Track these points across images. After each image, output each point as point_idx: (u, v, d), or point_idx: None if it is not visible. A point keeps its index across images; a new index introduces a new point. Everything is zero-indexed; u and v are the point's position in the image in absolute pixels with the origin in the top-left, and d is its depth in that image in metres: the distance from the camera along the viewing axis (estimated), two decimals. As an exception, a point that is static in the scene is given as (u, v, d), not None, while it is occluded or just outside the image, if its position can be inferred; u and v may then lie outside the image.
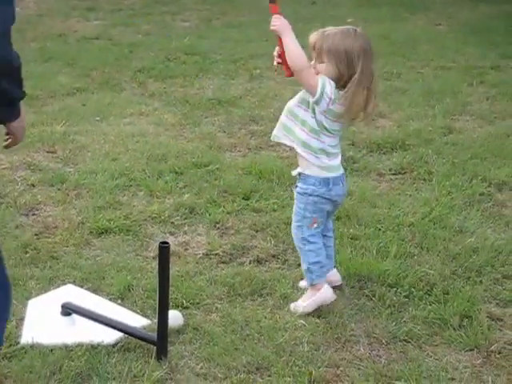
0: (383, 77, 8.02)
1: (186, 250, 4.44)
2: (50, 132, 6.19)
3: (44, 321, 3.71)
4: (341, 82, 3.58)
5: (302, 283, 4.04)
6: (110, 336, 3.53)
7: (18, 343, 3.52)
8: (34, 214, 4.84)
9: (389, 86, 7.71)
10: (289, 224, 4.60)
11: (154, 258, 4.30)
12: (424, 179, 5.46)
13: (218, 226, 4.73)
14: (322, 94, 3.54)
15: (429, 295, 3.97)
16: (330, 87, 3.55)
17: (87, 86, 7.52)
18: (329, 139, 3.68)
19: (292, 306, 3.88)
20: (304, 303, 3.84)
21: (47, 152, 5.83)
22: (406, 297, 3.95)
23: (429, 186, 5.34)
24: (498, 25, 10.60)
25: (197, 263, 4.29)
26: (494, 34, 10.15)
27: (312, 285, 3.86)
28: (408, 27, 10.49)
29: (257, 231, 4.66)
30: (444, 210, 4.92)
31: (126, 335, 3.52)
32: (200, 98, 7.25)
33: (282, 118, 3.78)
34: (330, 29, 3.66)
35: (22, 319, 3.72)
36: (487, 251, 4.41)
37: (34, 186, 5.23)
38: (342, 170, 3.80)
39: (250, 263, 4.31)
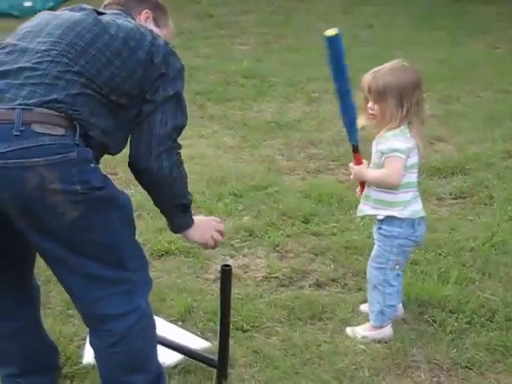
0: (442, 101, 7.98)
1: (246, 272, 4.46)
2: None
3: (106, 341, 3.74)
4: (402, 115, 3.61)
5: (363, 307, 4.02)
6: (171, 358, 3.55)
7: (80, 363, 3.57)
8: (95, 236, 4.89)
9: (448, 110, 7.67)
10: (348, 248, 4.63)
11: (213, 280, 4.33)
12: (485, 204, 5.41)
13: (277, 249, 4.74)
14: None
15: (491, 322, 3.93)
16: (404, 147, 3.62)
17: (147, 109, 7.59)
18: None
19: (350, 330, 3.86)
20: (363, 333, 3.82)
21: (109, 174, 5.81)
22: (467, 323, 3.91)
23: (490, 211, 5.29)
24: (558, 48, 10.50)
25: (256, 286, 4.31)
26: (554, 57, 10.05)
27: (381, 326, 3.82)
28: (467, 51, 10.42)
29: (316, 255, 4.66)
30: (506, 235, 4.86)
31: (187, 357, 3.55)
32: (259, 121, 7.29)
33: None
34: (381, 68, 3.71)
35: (84, 339, 3.75)
36: (550, 278, 4.35)
37: (95, 207, 5.28)
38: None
39: (309, 287, 4.31)
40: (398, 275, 3.82)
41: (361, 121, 3.72)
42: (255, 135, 6.86)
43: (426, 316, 3.98)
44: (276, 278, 4.40)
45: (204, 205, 5.28)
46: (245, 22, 12.14)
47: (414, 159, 3.69)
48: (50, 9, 10.75)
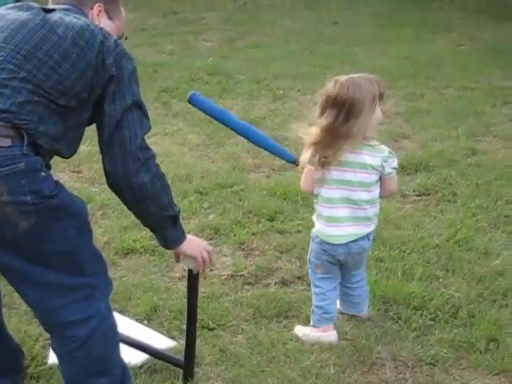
0: (406, 98, 8.04)
1: (212, 270, 4.45)
2: (75, 152, 6.22)
3: (71, 341, 3.72)
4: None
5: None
6: (137, 357, 3.54)
7: (46, 363, 3.55)
8: (60, 234, 4.87)
9: (412, 107, 7.72)
10: (314, 245, 4.62)
11: (179, 278, 4.32)
12: (448, 201, 5.46)
13: (242, 247, 4.75)
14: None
15: (455, 318, 3.96)
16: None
17: (112, 106, 7.54)
18: None
19: (296, 328, 3.86)
20: (308, 333, 3.80)
21: (72, 172, 5.87)
22: (431, 320, 3.94)
23: (453, 208, 5.33)
24: (520, 45, 10.60)
25: (222, 284, 4.31)
26: (516, 54, 10.15)
27: (314, 326, 3.81)
28: (430, 48, 10.49)
29: (282, 252, 4.67)
30: (469, 231, 4.91)
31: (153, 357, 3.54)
32: (224, 118, 7.27)
33: None
34: (349, 80, 3.56)
35: (49, 339, 3.72)
36: (513, 274, 4.40)
37: (59, 205, 5.25)
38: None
39: (275, 285, 4.32)
40: (322, 278, 3.79)
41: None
42: (220, 133, 6.85)
43: (390, 313, 4.01)
44: (242, 276, 4.40)
45: (169, 203, 5.26)
46: (209, 19, 12.14)
47: (333, 174, 3.62)
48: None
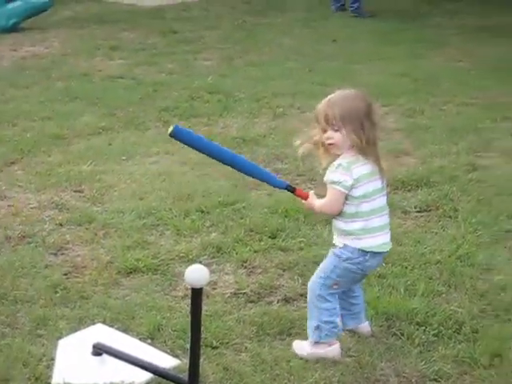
0: (406, 114, 8.05)
1: (214, 289, 4.46)
2: (76, 171, 6.25)
3: (75, 361, 3.74)
4: (361, 145, 3.63)
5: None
6: (141, 376, 3.55)
7: (49, 383, 3.55)
8: (62, 254, 4.89)
9: (412, 124, 7.73)
10: (316, 262, 4.60)
11: (182, 297, 4.33)
12: (450, 216, 5.46)
13: (245, 265, 4.75)
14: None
15: (458, 334, 3.97)
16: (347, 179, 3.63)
17: (112, 126, 7.57)
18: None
19: (296, 343, 3.85)
20: (310, 350, 3.79)
21: (74, 191, 5.88)
22: (434, 335, 3.95)
23: (455, 224, 5.34)
24: (518, 60, 10.62)
25: (225, 302, 4.31)
26: (514, 69, 10.17)
27: (317, 342, 3.78)
28: (429, 64, 10.51)
29: (284, 270, 4.68)
30: (471, 247, 4.91)
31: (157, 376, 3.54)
32: (224, 136, 7.29)
33: None
34: (333, 96, 3.73)
35: (52, 359, 3.75)
36: (515, 289, 4.41)
37: (61, 225, 5.28)
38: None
39: (277, 302, 4.33)
40: (333, 293, 3.79)
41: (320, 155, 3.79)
42: (221, 151, 6.86)
43: (393, 329, 4.01)
44: (244, 294, 4.41)
45: (171, 222, 5.28)
46: (208, 38, 12.16)
47: (365, 188, 3.67)
48: (13, 25, 10.72)
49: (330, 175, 3.68)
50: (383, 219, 3.75)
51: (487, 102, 8.58)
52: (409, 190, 5.96)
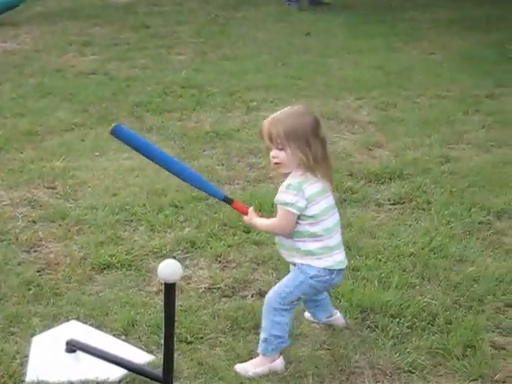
0: (379, 107, 8.07)
1: (189, 284, 4.46)
2: (49, 168, 6.21)
3: (49, 358, 3.72)
4: (308, 163, 3.55)
5: (307, 314, 4.05)
6: (116, 372, 3.53)
7: (23, 381, 3.54)
8: (35, 251, 4.86)
9: (385, 116, 7.76)
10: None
11: (156, 292, 4.32)
12: (423, 209, 5.49)
13: (219, 259, 4.75)
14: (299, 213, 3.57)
15: (432, 325, 3.99)
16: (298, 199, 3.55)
17: (85, 121, 7.54)
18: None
19: (239, 367, 3.67)
20: (255, 369, 3.64)
21: (47, 188, 5.85)
22: (408, 327, 3.97)
23: (428, 216, 5.36)
24: (490, 53, 10.65)
25: (199, 297, 4.31)
26: (487, 62, 10.21)
27: (264, 355, 3.68)
28: (402, 57, 10.55)
29: (258, 264, 4.68)
30: (444, 239, 4.94)
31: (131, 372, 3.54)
32: (198, 131, 7.28)
33: None
34: (278, 114, 3.63)
35: (26, 357, 3.73)
36: (488, 280, 4.43)
37: (35, 222, 5.24)
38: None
39: (252, 296, 4.33)
40: (290, 309, 3.68)
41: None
42: (194, 145, 6.86)
43: (368, 322, 4.03)
44: (219, 288, 4.41)
45: (144, 217, 5.27)
46: (181, 33, 12.13)
47: (318, 207, 3.58)
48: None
49: (281, 196, 3.58)
50: (338, 236, 3.69)
51: (459, 94, 8.63)
52: (382, 183, 5.99)
